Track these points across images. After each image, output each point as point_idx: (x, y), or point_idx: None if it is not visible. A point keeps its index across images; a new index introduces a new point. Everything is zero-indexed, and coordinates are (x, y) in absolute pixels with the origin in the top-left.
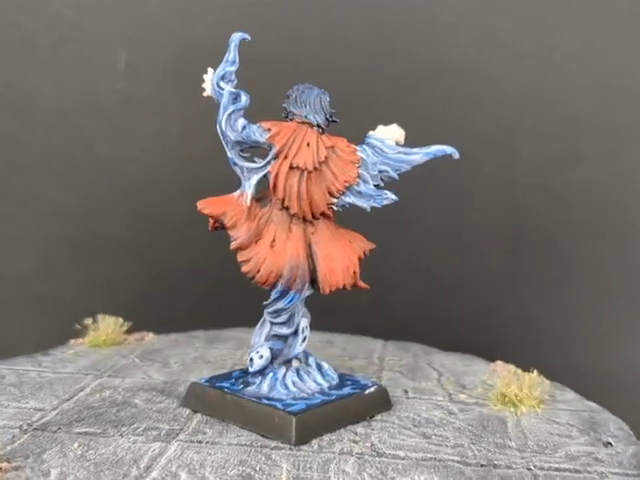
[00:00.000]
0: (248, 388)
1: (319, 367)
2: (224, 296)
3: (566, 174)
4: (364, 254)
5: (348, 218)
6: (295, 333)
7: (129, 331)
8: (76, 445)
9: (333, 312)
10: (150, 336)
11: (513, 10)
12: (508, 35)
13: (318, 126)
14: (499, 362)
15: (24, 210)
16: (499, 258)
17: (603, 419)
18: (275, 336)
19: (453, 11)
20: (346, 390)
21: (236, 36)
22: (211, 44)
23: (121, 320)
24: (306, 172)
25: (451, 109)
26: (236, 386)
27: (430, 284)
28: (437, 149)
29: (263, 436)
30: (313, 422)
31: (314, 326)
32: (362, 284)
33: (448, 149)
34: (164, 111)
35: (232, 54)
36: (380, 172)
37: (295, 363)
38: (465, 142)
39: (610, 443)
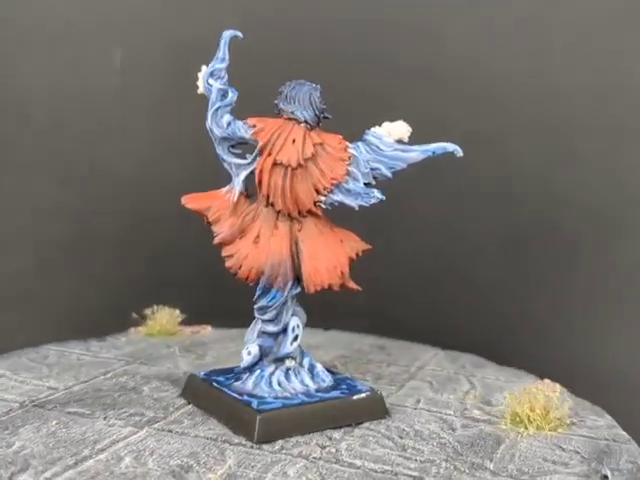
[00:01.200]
0: (235, 383)
1: (311, 368)
2: (221, 294)
3: (564, 172)
4: (356, 255)
5: (347, 217)
6: (285, 332)
7: (189, 323)
8: (54, 422)
9: (331, 311)
10: (207, 329)
11: (509, 8)
12: (504, 33)
13: (306, 122)
14: (546, 380)
15: (19, 208)
16: (498, 257)
17: (620, 450)
18: (264, 333)
19: (449, 9)
20: (334, 394)
21: (227, 33)
22: (207, 41)
23: (177, 312)
24: (290, 169)
25: (447, 107)
26: (228, 381)
27: (428, 284)
28: (437, 146)
29: (234, 432)
30: (282, 422)
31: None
32: (353, 285)
33: (449, 146)
34: (160, 109)
35: (222, 51)
36: (372, 170)
37: (288, 362)
38: (462, 141)
39: (606, 476)
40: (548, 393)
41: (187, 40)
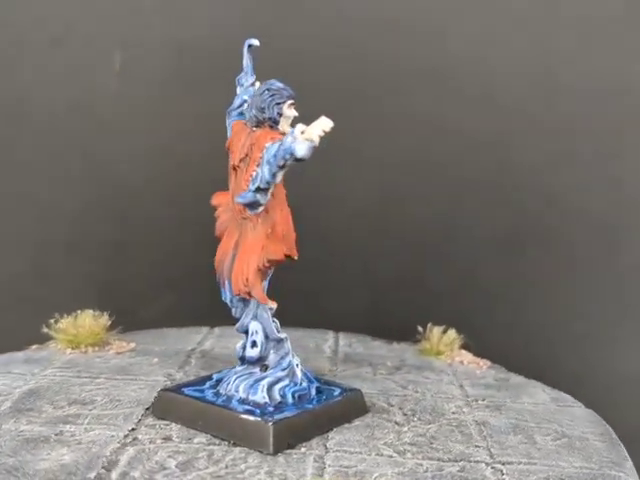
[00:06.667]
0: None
1: (258, 380)
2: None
3: (564, 175)
4: (264, 265)
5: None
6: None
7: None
8: (154, 360)
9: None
10: (480, 364)
11: (508, 10)
12: (504, 34)
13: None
14: None
15: (18, 210)
16: (497, 260)
17: None
18: None
19: (447, 11)
20: (238, 407)
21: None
22: (207, 44)
23: (453, 334)
24: (232, 169)
25: (446, 110)
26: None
27: (427, 286)
28: (284, 149)
29: None
30: (170, 408)
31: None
32: (256, 294)
33: (287, 144)
34: (159, 111)
35: (242, 60)
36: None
37: (256, 368)
38: (460, 144)
39: None
40: None
41: (187, 43)
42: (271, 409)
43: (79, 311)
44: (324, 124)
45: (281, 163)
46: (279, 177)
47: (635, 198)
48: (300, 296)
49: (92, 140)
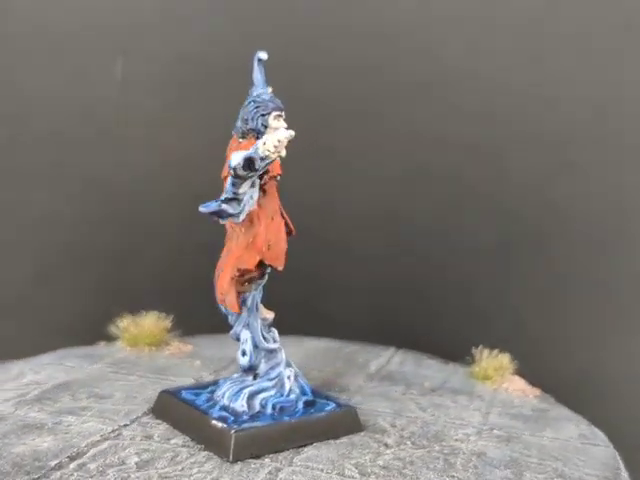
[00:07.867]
0: None
1: (242, 388)
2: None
3: (563, 185)
4: (235, 275)
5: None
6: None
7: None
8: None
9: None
10: (530, 394)
11: (507, 21)
12: (503, 46)
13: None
14: None
15: (18, 217)
16: (496, 269)
17: None
18: None
19: (444, 22)
20: (212, 413)
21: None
22: (208, 53)
23: (506, 359)
24: (224, 179)
25: (446, 121)
26: None
27: (425, 294)
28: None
29: None
30: (164, 407)
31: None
32: (229, 303)
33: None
34: (160, 120)
35: (253, 74)
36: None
37: (250, 376)
38: (458, 153)
39: None
40: None
41: (188, 52)
42: (245, 418)
43: (144, 312)
44: (280, 135)
45: (231, 173)
46: (242, 188)
47: (634, 204)
48: (300, 304)
49: (93, 148)
